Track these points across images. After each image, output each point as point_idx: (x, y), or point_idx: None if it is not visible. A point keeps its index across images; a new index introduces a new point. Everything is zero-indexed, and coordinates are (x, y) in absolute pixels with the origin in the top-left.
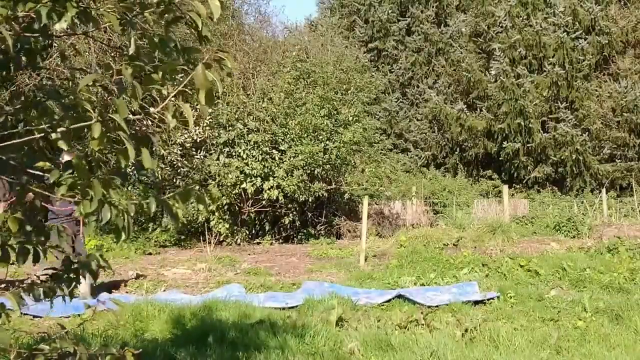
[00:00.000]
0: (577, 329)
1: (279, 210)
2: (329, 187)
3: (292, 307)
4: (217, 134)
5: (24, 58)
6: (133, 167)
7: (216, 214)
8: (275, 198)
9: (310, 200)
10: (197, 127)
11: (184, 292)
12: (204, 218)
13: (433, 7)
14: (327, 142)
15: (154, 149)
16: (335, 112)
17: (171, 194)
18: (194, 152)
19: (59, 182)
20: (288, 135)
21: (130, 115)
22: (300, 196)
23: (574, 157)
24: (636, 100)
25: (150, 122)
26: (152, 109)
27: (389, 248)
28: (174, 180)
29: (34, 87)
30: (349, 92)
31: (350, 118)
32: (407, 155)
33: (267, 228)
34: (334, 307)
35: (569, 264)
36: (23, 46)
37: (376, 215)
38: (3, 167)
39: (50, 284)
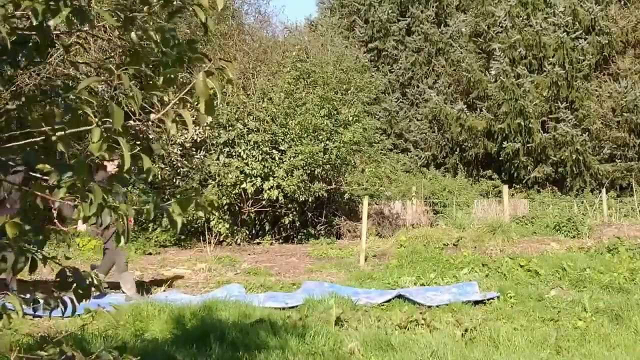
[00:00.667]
0: (577, 329)
1: (279, 210)
2: (329, 187)
3: (292, 307)
4: (217, 134)
5: (23, 59)
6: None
7: (216, 214)
8: (275, 198)
9: (310, 200)
10: (197, 127)
11: (184, 292)
12: (204, 218)
13: (433, 7)
14: (327, 142)
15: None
16: (335, 112)
17: (171, 200)
18: (194, 152)
19: (59, 184)
20: (288, 135)
21: (130, 122)
22: (300, 196)
23: (574, 157)
24: (636, 100)
25: (150, 123)
26: (152, 116)
27: (389, 248)
28: (174, 181)
29: (33, 87)
30: (349, 92)
31: (350, 118)
32: (407, 155)
33: (267, 228)
34: (334, 307)
35: (569, 264)
36: (22, 43)
37: (376, 215)
38: (3, 167)
39: (57, 294)
